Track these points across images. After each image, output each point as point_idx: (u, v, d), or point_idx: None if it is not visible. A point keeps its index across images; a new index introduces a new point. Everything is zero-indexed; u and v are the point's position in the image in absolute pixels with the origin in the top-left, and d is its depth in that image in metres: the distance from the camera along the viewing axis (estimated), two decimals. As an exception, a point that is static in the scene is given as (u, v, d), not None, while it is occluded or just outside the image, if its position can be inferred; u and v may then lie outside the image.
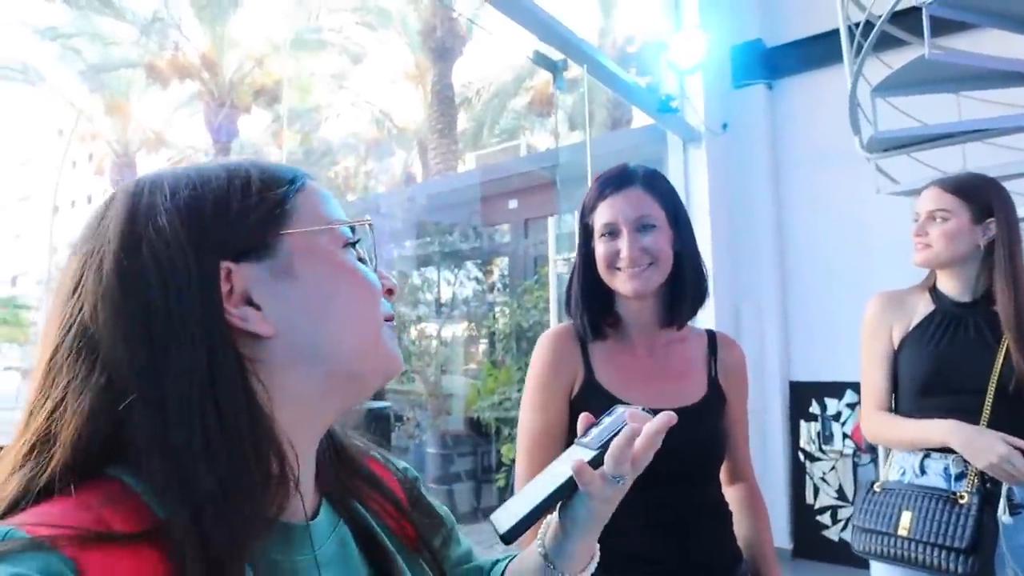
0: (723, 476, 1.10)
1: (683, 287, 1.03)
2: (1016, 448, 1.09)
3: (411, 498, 0.59)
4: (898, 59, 2.41)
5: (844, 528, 3.17)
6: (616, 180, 1.04)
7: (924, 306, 1.34)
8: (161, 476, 0.38)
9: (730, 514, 1.04)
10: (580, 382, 1.02)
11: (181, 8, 12.85)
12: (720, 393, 1.05)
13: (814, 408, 3.30)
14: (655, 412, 0.95)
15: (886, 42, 2.44)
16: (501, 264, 6.28)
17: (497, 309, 6.03)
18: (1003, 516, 1.12)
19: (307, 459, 0.49)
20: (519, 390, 4.49)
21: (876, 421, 1.33)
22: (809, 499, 3.25)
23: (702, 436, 0.99)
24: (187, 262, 0.42)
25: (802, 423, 3.33)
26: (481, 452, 5.59)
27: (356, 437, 0.59)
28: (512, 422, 4.47)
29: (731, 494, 1.08)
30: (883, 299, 1.39)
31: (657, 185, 1.04)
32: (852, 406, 3.21)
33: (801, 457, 3.30)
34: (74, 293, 0.42)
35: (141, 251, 0.41)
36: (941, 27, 2.33)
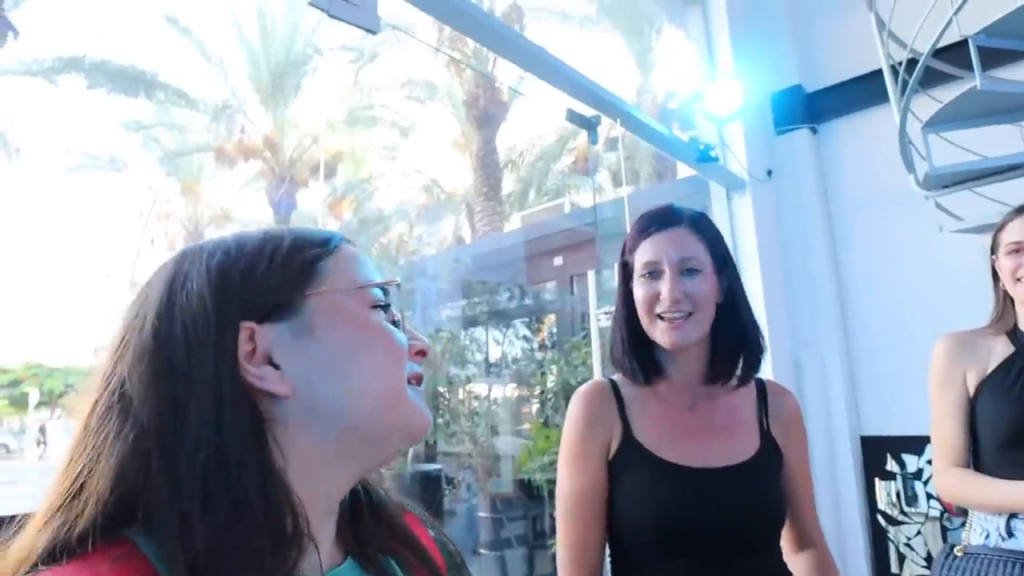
0: (787, 544, 0.99)
1: (730, 340, 0.96)
2: None
3: (449, 565, 0.57)
4: (947, 94, 2.32)
5: (938, 602, 2.85)
6: (661, 218, 0.99)
7: (1002, 348, 1.22)
8: (165, 533, 0.38)
9: None
10: (618, 441, 0.94)
11: (247, 95, 13.92)
12: (775, 447, 0.95)
13: (891, 466, 3.04)
14: (702, 472, 0.88)
15: (933, 78, 2.36)
16: (549, 322, 6.24)
17: (546, 367, 5.93)
18: None
19: (323, 517, 0.48)
20: (570, 451, 4.34)
21: (955, 479, 1.19)
22: (894, 568, 2.96)
23: (759, 496, 0.90)
24: (208, 322, 0.44)
25: (878, 482, 3.07)
26: (532, 516, 5.36)
27: (395, 495, 0.58)
28: (565, 485, 4.29)
29: (798, 564, 0.97)
30: (953, 341, 1.28)
31: (704, 228, 0.99)
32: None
33: (881, 521, 3.02)
34: (116, 352, 0.45)
35: (174, 313, 0.45)
36: (995, 58, 2.25)
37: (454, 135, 13.77)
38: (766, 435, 0.95)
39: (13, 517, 0.42)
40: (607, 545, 0.94)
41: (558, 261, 5.81)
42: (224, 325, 0.44)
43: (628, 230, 2.38)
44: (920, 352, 2.98)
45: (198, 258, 0.48)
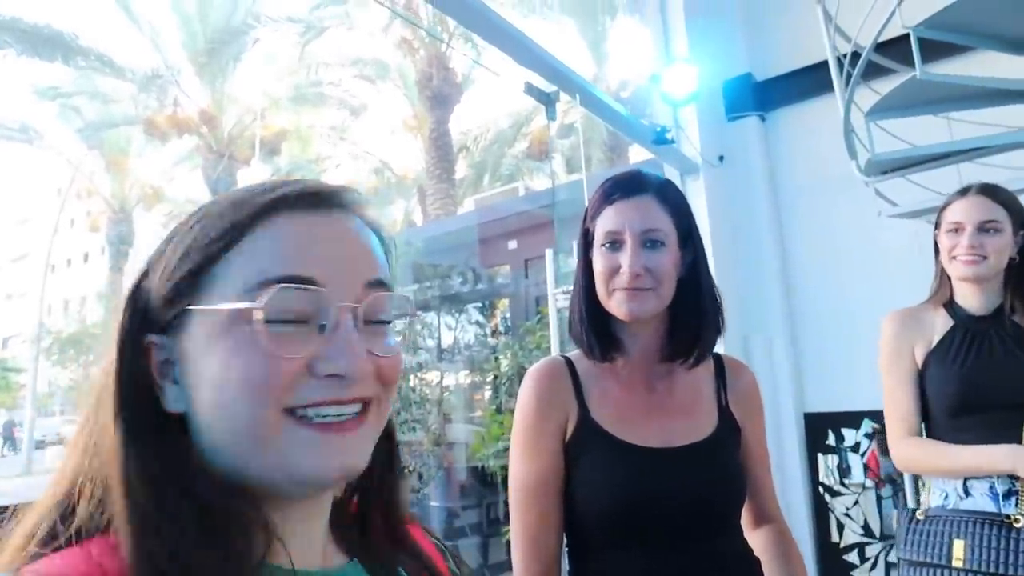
0: (747, 520, 0.98)
1: (690, 317, 0.91)
2: None
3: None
4: (887, 86, 2.43)
5: (873, 567, 3.02)
6: (626, 185, 0.92)
7: (942, 322, 1.28)
8: (125, 539, 0.38)
9: (758, 563, 0.92)
10: (575, 422, 0.90)
11: (181, 65, 13.20)
12: (734, 423, 0.93)
13: (832, 440, 3.20)
14: (662, 452, 0.85)
15: (874, 71, 2.46)
16: (503, 306, 6.23)
17: (500, 352, 5.92)
18: None
19: (298, 519, 0.45)
20: (525, 433, 4.36)
21: (913, 448, 1.24)
22: (835, 537, 3.11)
23: (719, 474, 0.88)
24: (122, 333, 0.42)
25: (820, 456, 3.22)
26: (487, 504, 5.32)
27: (405, 506, 0.54)
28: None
29: (757, 539, 0.96)
30: (899, 318, 1.34)
31: (671, 197, 0.93)
32: (871, 436, 3.11)
33: (822, 492, 3.18)
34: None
35: (121, 319, 0.44)
36: (929, 52, 2.35)
37: (406, 116, 13.52)
38: (724, 411, 0.92)
39: (5, 508, 0.42)
40: (564, 532, 0.90)
41: (512, 245, 5.80)
42: (127, 335, 0.42)
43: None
44: (860, 332, 3.15)
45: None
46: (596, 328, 0.93)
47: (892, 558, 2.98)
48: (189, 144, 13.91)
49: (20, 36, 10.84)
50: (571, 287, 2.34)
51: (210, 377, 0.41)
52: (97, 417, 0.42)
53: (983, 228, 1.24)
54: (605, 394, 0.92)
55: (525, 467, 0.89)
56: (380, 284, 0.45)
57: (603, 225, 0.93)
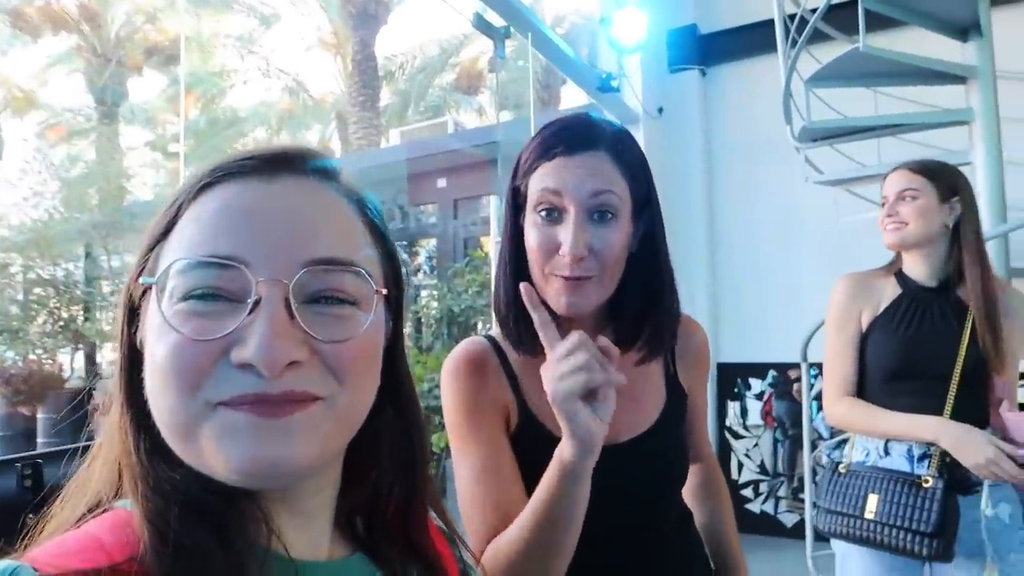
0: None
1: (640, 302, 0.77)
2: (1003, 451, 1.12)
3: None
4: (826, 53, 2.49)
5: (765, 500, 3.33)
6: (573, 136, 0.73)
7: (891, 290, 1.35)
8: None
9: (696, 531, 0.91)
10: (516, 418, 0.78)
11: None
12: (680, 392, 0.87)
13: (739, 388, 3.43)
14: (606, 450, 0.67)
15: (817, 36, 2.51)
16: (428, 246, 6.10)
17: (425, 292, 5.84)
18: (986, 509, 1.17)
19: (292, 514, 0.42)
20: (450, 374, 4.38)
21: (846, 408, 1.33)
22: (735, 475, 3.39)
23: (664, 467, 0.82)
24: (120, 321, 0.41)
25: (728, 403, 3.45)
26: (426, 468, 5.28)
27: (429, 500, 0.51)
28: (441, 410, 4.36)
29: (691, 475, 0.95)
30: (851, 281, 1.38)
31: (628, 152, 0.74)
32: (774, 385, 3.36)
33: (728, 436, 3.43)
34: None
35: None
36: (874, 24, 2.42)
37: (324, 34, 12.57)
38: (671, 381, 0.85)
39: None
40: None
41: (442, 183, 5.63)
42: (126, 321, 0.41)
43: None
44: (775, 290, 3.34)
45: None
46: (525, 315, 0.71)
47: (781, 493, 3.30)
48: (67, 43, 12.22)
49: None
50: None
51: (147, 365, 0.38)
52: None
53: (901, 197, 1.31)
54: (541, 382, 0.71)
55: (473, 452, 0.76)
56: (330, 262, 0.39)
57: (538, 184, 0.72)
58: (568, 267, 0.71)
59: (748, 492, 3.37)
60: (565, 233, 0.70)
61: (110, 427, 0.42)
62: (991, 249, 2.24)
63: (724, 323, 3.42)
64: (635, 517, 0.79)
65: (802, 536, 2.79)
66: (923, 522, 1.14)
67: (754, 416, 3.39)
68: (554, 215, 0.72)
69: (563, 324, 0.72)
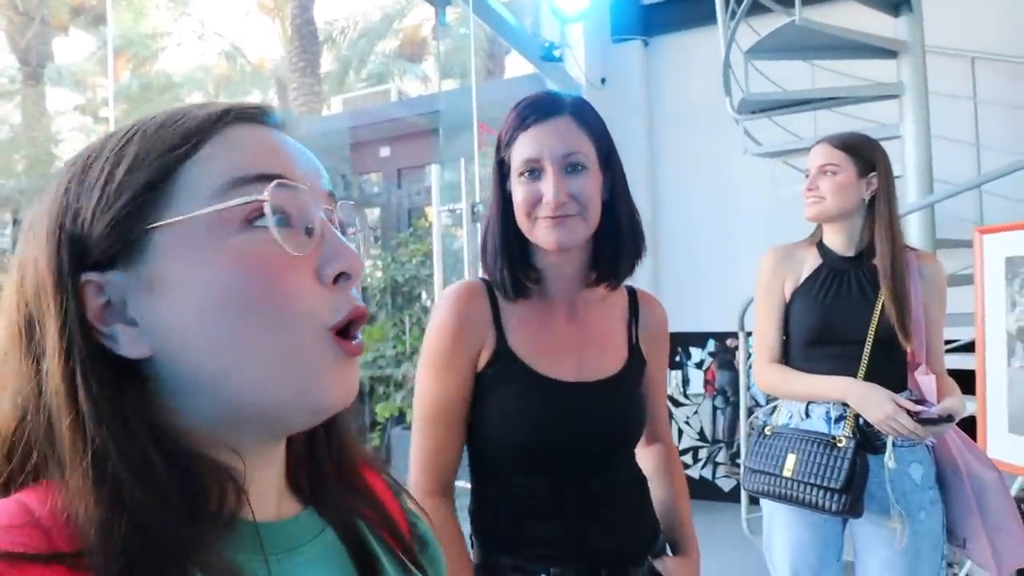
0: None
1: (615, 240, 0.90)
2: (902, 407, 1.17)
3: (413, 535, 0.51)
4: (766, 26, 2.51)
5: (704, 466, 3.44)
6: (541, 107, 0.87)
7: (812, 260, 1.40)
8: (68, 501, 0.34)
9: (646, 485, 0.98)
10: (490, 350, 0.89)
11: None
12: (640, 358, 0.97)
13: (679, 357, 3.51)
14: (575, 386, 0.87)
15: (757, 9, 2.52)
16: (371, 215, 5.97)
17: (369, 262, 5.70)
18: (889, 462, 1.23)
19: (254, 469, 0.40)
20: (395, 347, 4.33)
21: (770, 373, 1.38)
22: (675, 441, 3.47)
23: (623, 411, 0.92)
24: (45, 277, 0.36)
25: (669, 372, 3.53)
26: (355, 411, 5.35)
27: (358, 445, 0.50)
28: (387, 380, 4.31)
29: (647, 456, 1.02)
30: (776, 254, 1.43)
31: (588, 116, 0.89)
32: (714, 355, 3.45)
33: (668, 404, 3.51)
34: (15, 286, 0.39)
35: (25, 259, 0.38)
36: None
37: (262, -4, 11.97)
38: (634, 348, 0.96)
39: None
40: (466, 453, 0.92)
41: (385, 152, 5.47)
42: (61, 280, 0.36)
43: (476, 124, 2.28)
44: (713, 260, 3.41)
45: (59, 176, 0.38)
46: (512, 264, 0.89)
47: (720, 459, 3.42)
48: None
49: None
50: (454, 205, 2.27)
51: (201, 299, 0.36)
52: (23, 369, 0.36)
53: (822, 171, 1.35)
54: (523, 323, 0.91)
55: (435, 388, 0.89)
56: (333, 196, 0.43)
57: (520, 153, 0.87)
58: (552, 211, 0.84)
59: (687, 459, 3.47)
60: (546, 186, 0.84)
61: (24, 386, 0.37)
62: (918, 220, 2.35)
63: (664, 292, 3.48)
64: (592, 454, 0.89)
65: (738, 500, 2.90)
66: (833, 480, 1.20)
67: (696, 385, 3.48)
68: (535, 174, 0.86)
69: (550, 268, 0.91)
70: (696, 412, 3.48)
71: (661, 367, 1.02)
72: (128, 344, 0.37)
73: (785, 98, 2.47)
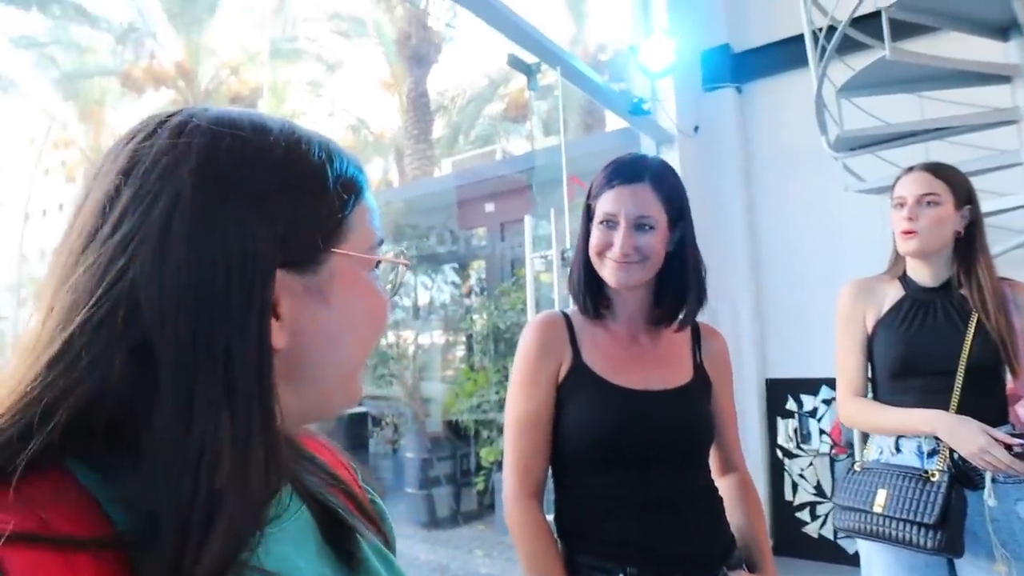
0: (714, 466, 1.10)
1: (675, 287, 1.04)
2: (997, 440, 1.11)
3: (369, 500, 0.56)
4: (861, 62, 2.48)
5: (823, 524, 3.21)
6: (625, 172, 1.04)
7: (894, 292, 1.36)
8: (156, 475, 0.34)
9: (721, 500, 1.05)
10: (568, 366, 1.02)
11: (156, 17, 12.71)
12: (705, 377, 1.07)
13: (791, 405, 3.34)
14: (644, 393, 0.97)
15: (850, 46, 2.50)
16: (478, 267, 6.28)
17: (475, 312, 5.99)
18: (988, 499, 1.15)
19: None
20: (497, 392, 4.46)
21: (855, 407, 1.35)
22: (788, 496, 3.29)
23: (690, 417, 1.01)
24: (253, 263, 0.38)
25: (779, 420, 3.37)
26: (460, 455, 5.53)
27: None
28: (490, 425, 4.44)
29: (723, 485, 1.09)
30: (855, 287, 1.41)
31: (665, 183, 1.04)
32: (828, 402, 3.26)
33: (779, 454, 3.34)
34: (118, 242, 0.36)
35: (225, 232, 0.37)
36: (903, 31, 2.40)
37: (383, 75, 13.22)
38: (699, 367, 1.06)
39: None
40: (550, 462, 1.03)
41: (490, 207, 5.80)
42: (267, 271, 0.39)
43: (564, 178, 2.43)
44: (820, 303, 3.26)
45: (244, 158, 0.39)
46: (591, 288, 1.06)
47: (840, 515, 3.17)
48: (165, 97, 13.44)
49: (-7, -15, 10.29)
50: (547, 252, 2.40)
51: (342, 314, 0.44)
52: (117, 319, 0.35)
53: (920, 201, 1.30)
54: (596, 343, 1.04)
55: (522, 403, 1.01)
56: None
57: (602, 207, 1.04)
58: (618, 257, 1.00)
59: (804, 515, 3.25)
60: (618, 237, 1.01)
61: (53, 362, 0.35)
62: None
63: (771, 338, 3.36)
64: (663, 453, 0.98)
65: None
66: (927, 515, 1.14)
67: (815, 438, 3.28)
68: (611, 225, 1.02)
69: (618, 300, 1.06)
70: (811, 464, 3.28)
71: (728, 396, 1.10)
72: (276, 334, 0.40)
73: (882, 133, 2.41)
